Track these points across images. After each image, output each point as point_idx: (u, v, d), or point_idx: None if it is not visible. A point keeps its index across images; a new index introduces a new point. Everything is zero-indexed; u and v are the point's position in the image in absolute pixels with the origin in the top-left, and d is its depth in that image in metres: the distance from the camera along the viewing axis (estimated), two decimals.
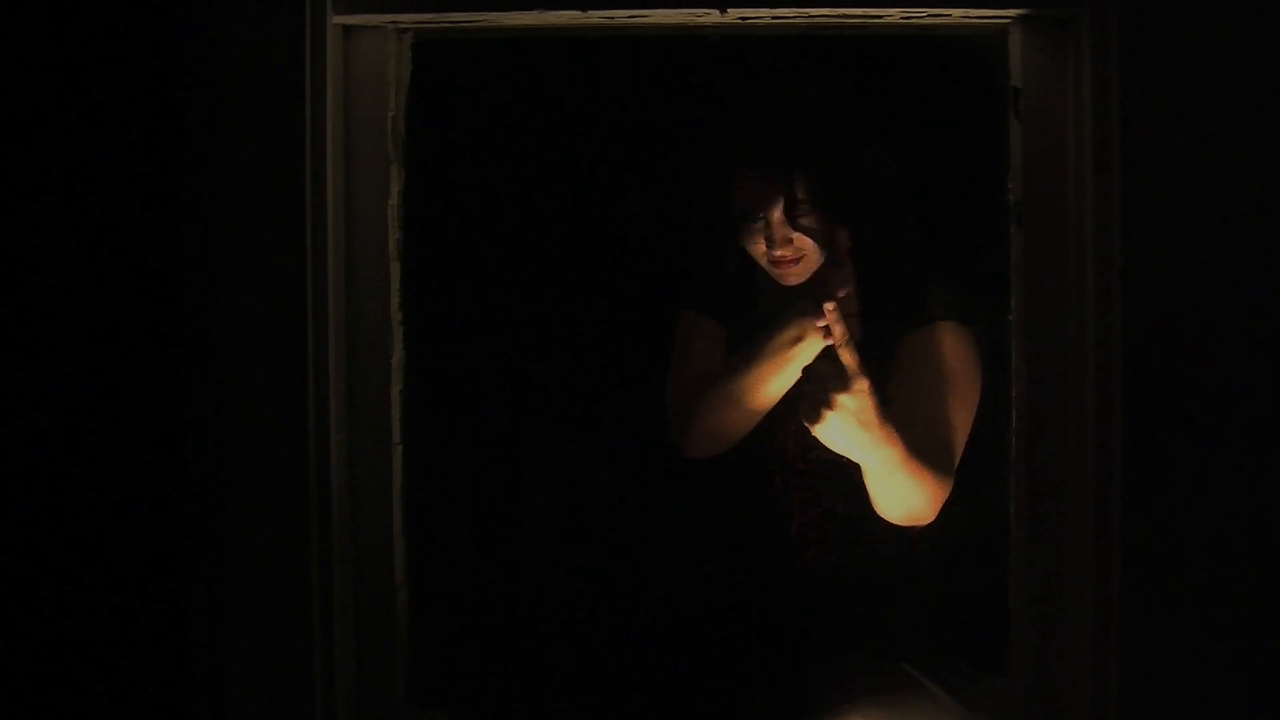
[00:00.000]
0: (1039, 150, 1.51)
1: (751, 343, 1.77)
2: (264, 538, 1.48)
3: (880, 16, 1.51)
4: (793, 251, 1.78)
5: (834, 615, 1.88)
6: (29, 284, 1.52)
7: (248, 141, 1.47)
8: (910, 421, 1.72)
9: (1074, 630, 1.50)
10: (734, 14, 1.50)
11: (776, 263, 1.80)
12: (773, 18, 1.51)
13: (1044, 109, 1.51)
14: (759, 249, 1.81)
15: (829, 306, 1.60)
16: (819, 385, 1.59)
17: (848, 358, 1.59)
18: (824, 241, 1.79)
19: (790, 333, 1.71)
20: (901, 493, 1.72)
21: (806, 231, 1.78)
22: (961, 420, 1.80)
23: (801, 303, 1.70)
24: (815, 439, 1.75)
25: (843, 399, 1.57)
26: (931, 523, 1.80)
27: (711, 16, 1.51)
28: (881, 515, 1.77)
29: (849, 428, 1.59)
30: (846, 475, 1.81)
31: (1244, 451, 1.43)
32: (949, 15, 1.51)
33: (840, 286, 1.69)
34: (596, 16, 1.51)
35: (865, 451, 1.64)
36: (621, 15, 1.52)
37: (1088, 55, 1.47)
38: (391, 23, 1.55)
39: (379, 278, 1.58)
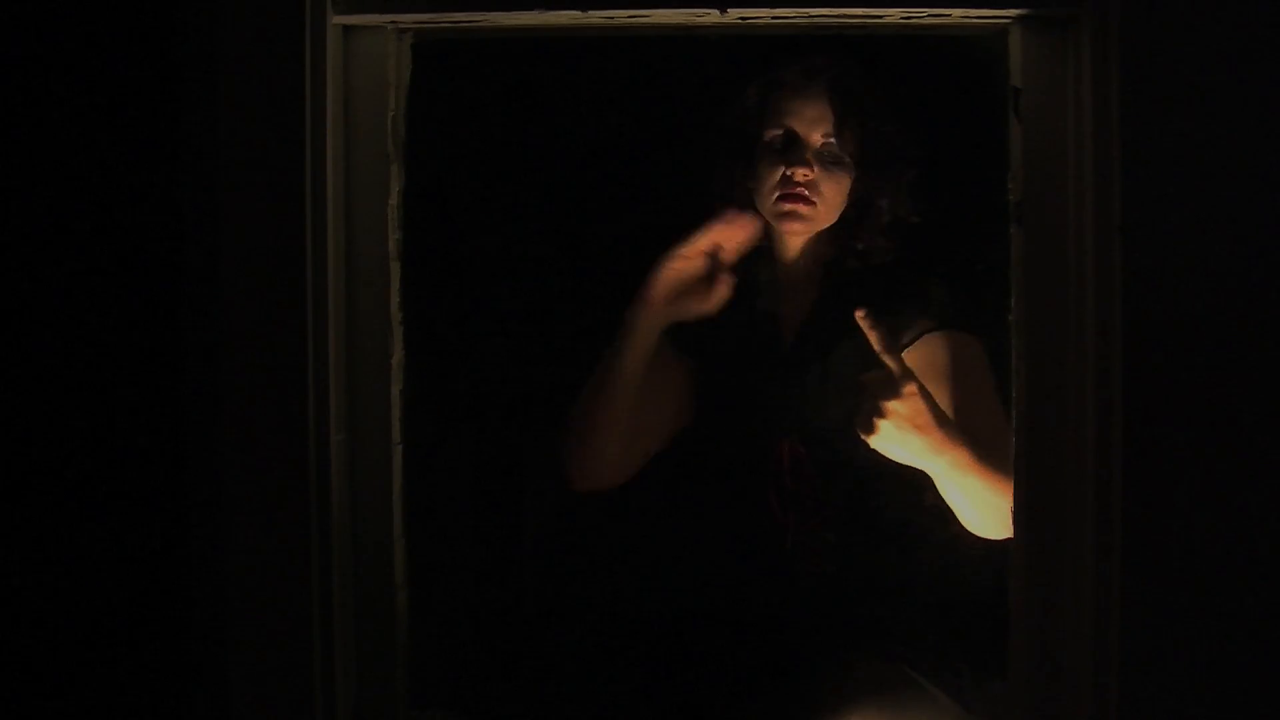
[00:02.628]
0: (1039, 150, 1.51)
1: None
2: (264, 538, 1.48)
3: (880, 16, 1.51)
4: (808, 183, 1.78)
5: (834, 618, 1.88)
6: (28, 284, 1.52)
7: (248, 141, 1.47)
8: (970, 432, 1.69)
9: (1074, 630, 1.50)
10: (734, 14, 1.50)
11: (786, 196, 1.79)
12: (773, 18, 1.51)
13: (1044, 109, 1.51)
14: (773, 180, 1.80)
15: (860, 313, 1.57)
16: (870, 396, 1.57)
17: (891, 362, 1.57)
18: (834, 203, 1.79)
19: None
20: (982, 498, 1.67)
21: (830, 174, 1.78)
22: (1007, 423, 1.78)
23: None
24: (803, 457, 1.75)
25: (893, 405, 1.55)
26: (928, 524, 1.80)
27: (711, 16, 1.51)
28: (972, 531, 1.72)
29: (905, 433, 1.57)
30: (843, 484, 1.81)
31: (1244, 451, 1.43)
32: (949, 15, 1.51)
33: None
34: (596, 16, 1.51)
35: (928, 457, 1.60)
36: (621, 15, 1.52)
37: (1088, 55, 1.46)
38: (391, 23, 1.55)
39: (379, 278, 1.58)
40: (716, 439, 1.91)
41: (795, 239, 1.86)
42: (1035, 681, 1.53)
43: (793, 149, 1.80)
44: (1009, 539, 1.73)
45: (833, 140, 1.80)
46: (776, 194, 1.81)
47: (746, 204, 1.89)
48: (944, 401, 1.76)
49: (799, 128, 1.81)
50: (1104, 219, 1.45)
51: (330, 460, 1.51)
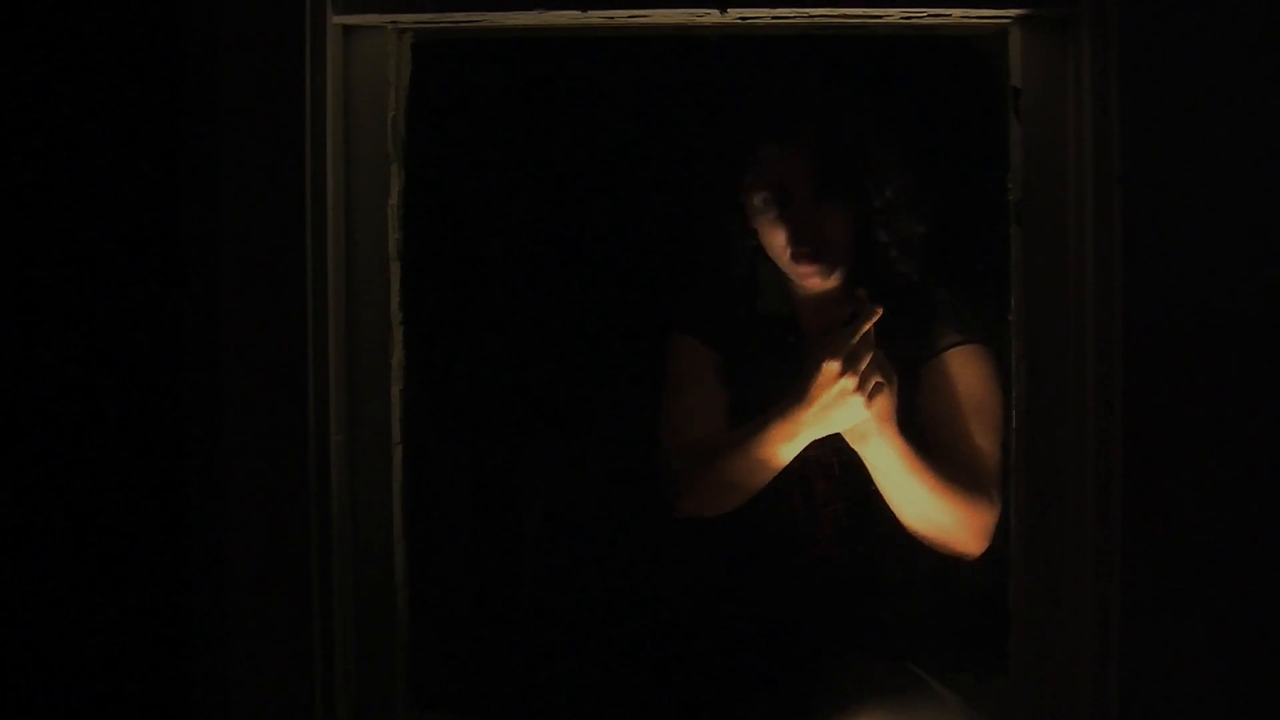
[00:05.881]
0: (1039, 150, 1.51)
1: (768, 413, 1.73)
2: (264, 538, 1.48)
3: (880, 16, 1.51)
4: (816, 241, 1.79)
5: (839, 615, 1.88)
6: (30, 284, 1.52)
7: (248, 141, 1.47)
8: (946, 448, 1.74)
9: (1074, 630, 1.50)
10: (734, 14, 1.50)
11: (798, 258, 1.80)
12: (773, 18, 1.51)
13: (1044, 109, 1.51)
14: (779, 243, 1.81)
15: (861, 293, 1.65)
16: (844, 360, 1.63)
17: (866, 348, 1.63)
18: (845, 241, 1.80)
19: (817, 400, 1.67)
20: (915, 505, 1.72)
21: (832, 218, 1.78)
22: (994, 444, 1.80)
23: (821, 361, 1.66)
24: (832, 460, 1.76)
25: (849, 380, 1.62)
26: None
27: (711, 16, 1.51)
28: (916, 535, 1.77)
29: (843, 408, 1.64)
30: (850, 484, 1.81)
31: (1244, 452, 1.43)
32: (949, 15, 1.51)
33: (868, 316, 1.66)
34: (596, 16, 1.51)
35: (855, 438, 1.68)
36: (621, 15, 1.52)
37: (1088, 55, 1.46)
38: (391, 23, 1.55)
39: (379, 278, 1.58)
40: None
41: (817, 285, 1.87)
42: (1035, 680, 1.53)
43: (788, 206, 1.80)
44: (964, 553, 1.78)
45: (822, 185, 1.79)
46: (787, 254, 1.81)
47: (747, 253, 1.91)
48: (953, 416, 1.79)
49: (788, 183, 1.79)
50: (1104, 219, 1.45)
51: (330, 460, 1.51)
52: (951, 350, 1.83)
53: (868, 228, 1.84)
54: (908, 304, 1.84)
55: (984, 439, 1.78)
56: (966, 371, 1.82)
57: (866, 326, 1.63)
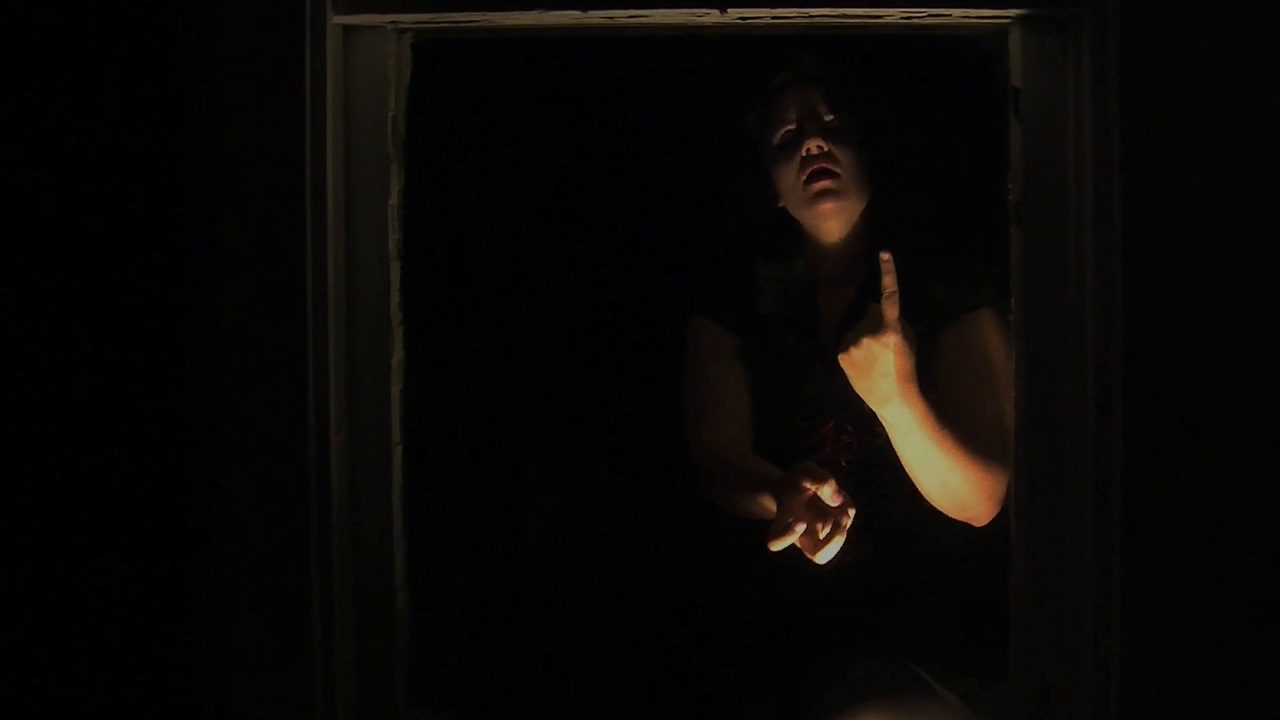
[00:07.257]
0: (1039, 150, 1.51)
1: (763, 480, 1.73)
2: (264, 538, 1.48)
3: (880, 16, 1.51)
4: (829, 161, 1.80)
5: (842, 616, 1.88)
6: (30, 284, 1.52)
7: (248, 141, 1.47)
8: (963, 412, 1.74)
9: (1074, 631, 1.50)
10: (734, 14, 1.50)
11: (812, 176, 1.81)
12: (773, 18, 1.52)
13: (1044, 109, 1.51)
14: (792, 172, 1.82)
15: (885, 256, 1.64)
16: (861, 326, 1.66)
17: (888, 309, 1.64)
18: (857, 175, 1.81)
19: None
20: (935, 470, 1.72)
21: (843, 143, 1.80)
22: (1007, 409, 1.80)
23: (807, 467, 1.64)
24: (851, 442, 1.75)
25: (868, 340, 1.64)
26: (940, 523, 1.79)
27: (711, 16, 1.51)
28: (930, 501, 1.77)
29: (866, 370, 1.66)
30: (865, 478, 1.81)
31: (1244, 452, 1.43)
32: (949, 15, 1.51)
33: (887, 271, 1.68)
34: (596, 16, 1.51)
35: (878, 401, 1.68)
36: (621, 15, 1.52)
37: (1088, 55, 1.47)
38: (391, 23, 1.55)
39: (379, 278, 1.58)
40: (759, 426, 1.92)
41: (832, 223, 1.87)
42: (1035, 681, 1.53)
43: (801, 131, 1.83)
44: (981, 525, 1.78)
45: (834, 117, 1.82)
46: (802, 180, 1.83)
47: (777, 221, 1.92)
48: (971, 378, 1.79)
49: (800, 115, 1.83)
50: (1104, 219, 1.45)
51: (330, 460, 1.51)
52: (966, 315, 1.84)
53: (878, 196, 1.85)
54: (922, 270, 1.85)
55: (997, 404, 1.78)
56: (981, 336, 1.83)
57: (889, 291, 1.64)
